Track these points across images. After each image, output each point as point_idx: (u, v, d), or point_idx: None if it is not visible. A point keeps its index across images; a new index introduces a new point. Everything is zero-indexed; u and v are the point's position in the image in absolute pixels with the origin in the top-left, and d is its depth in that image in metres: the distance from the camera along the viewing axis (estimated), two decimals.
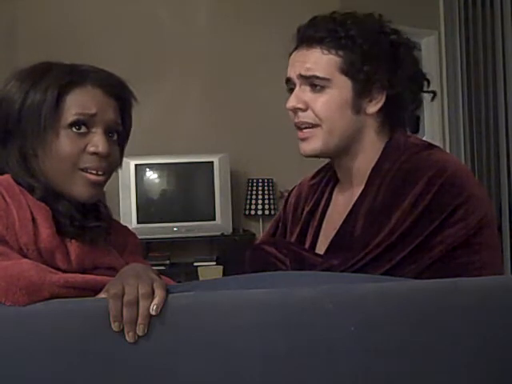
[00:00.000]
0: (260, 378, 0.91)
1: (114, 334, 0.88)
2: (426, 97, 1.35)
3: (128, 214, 3.84)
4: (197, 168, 4.06)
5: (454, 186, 1.15)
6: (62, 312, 0.92)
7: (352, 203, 1.27)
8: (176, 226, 3.93)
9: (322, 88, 1.26)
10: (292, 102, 1.29)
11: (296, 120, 1.30)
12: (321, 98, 1.26)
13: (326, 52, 1.26)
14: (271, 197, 4.11)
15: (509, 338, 0.96)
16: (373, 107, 1.27)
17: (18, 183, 1.12)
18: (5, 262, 0.97)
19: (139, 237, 1.40)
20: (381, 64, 1.26)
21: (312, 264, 1.18)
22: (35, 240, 1.06)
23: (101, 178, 1.16)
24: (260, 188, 4.11)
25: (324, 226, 1.36)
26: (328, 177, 1.42)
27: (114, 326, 0.88)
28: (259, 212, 4.10)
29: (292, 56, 1.32)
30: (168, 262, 3.94)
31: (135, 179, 3.92)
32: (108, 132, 1.17)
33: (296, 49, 1.32)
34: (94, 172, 1.15)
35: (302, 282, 0.98)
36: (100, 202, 1.24)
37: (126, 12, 4.20)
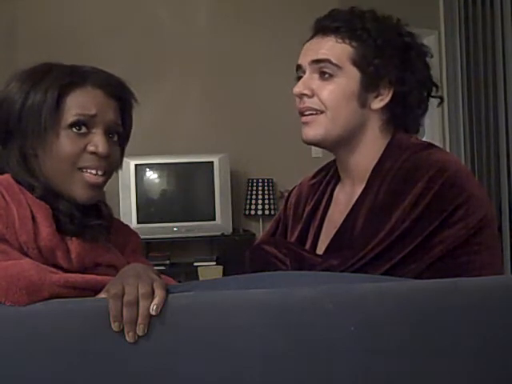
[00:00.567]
0: (260, 377, 0.91)
1: (113, 334, 0.88)
2: (432, 101, 1.36)
3: (128, 214, 3.84)
4: (197, 168, 4.06)
5: (454, 185, 1.15)
6: (62, 312, 0.92)
7: (353, 202, 1.27)
8: (176, 226, 3.93)
9: (331, 76, 1.27)
10: (299, 87, 1.30)
11: (301, 105, 1.30)
12: (328, 86, 1.27)
13: (340, 41, 1.27)
14: (271, 197, 4.11)
15: (509, 338, 0.96)
16: (378, 103, 1.28)
17: (18, 183, 1.12)
18: (5, 261, 0.97)
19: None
20: (391, 61, 1.27)
21: (312, 264, 1.18)
22: (35, 238, 1.06)
23: (100, 180, 1.16)
24: (260, 188, 4.11)
25: (325, 225, 1.36)
26: (329, 176, 1.42)
27: (114, 326, 0.88)
28: (259, 212, 4.10)
29: (306, 44, 1.34)
30: (168, 262, 3.94)
31: (135, 179, 3.92)
32: (108, 132, 1.17)
33: (311, 38, 1.33)
34: (94, 172, 1.15)
35: (301, 282, 0.98)
36: (100, 201, 1.25)
37: (126, 12, 4.20)
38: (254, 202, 4.12)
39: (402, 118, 1.31)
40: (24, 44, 3.98)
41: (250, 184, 4.14)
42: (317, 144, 1.32)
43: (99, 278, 1.00)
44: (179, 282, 1.20)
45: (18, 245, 1.05)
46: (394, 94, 1.28)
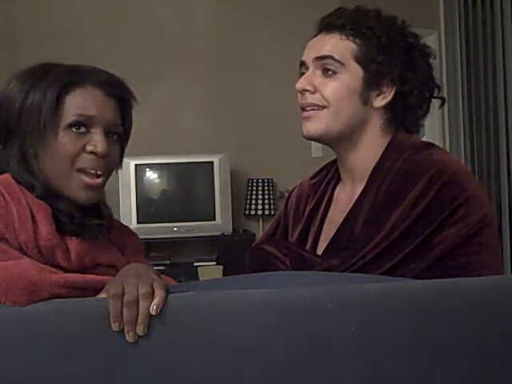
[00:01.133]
0: (260, 377, 0.91)
1: (114, 334, 0.88)
2: (434, 102, 1.36)
3: (128, 213, 3.84)
4: (197, 168, 4.06)
5: (454, 185, 1.15)
6: (62, 312, 0.92)
7: (353, 202, 1.27)
8: (176, 226, 3.93)
9: (334, 73, 1.27)
10: (302, 83, 1.30)
11: (303, 101, 1.31)
12: (331, 82, 1.28)
13: (344, 38, 1.28)
14: (271, 197, 4.11)
15: (509, 338, 0.96)
16: (380, 101, 1.29)
17: (18, 182, 1.12)
18: (5, 261, 0.97)
19: (139, 237, 1.40)
20: (394, 60, 1.27)
21: (312, 264, 1.18)
22: (35, 238, 1.06)
23: (98, 181, 1.16)
24: (260, 188, 4.11)
25: (326, 225, 1.36)
26: (330, 176, 1.42)
27: (114, 326, 0.88)
28: (259, 212, 4.10)
29: (310, 41, 1.34)
30: (168, 262, 3.94)
31: (135, 179, 3.92)
32: (108, 132, 1.17)
33: (315, 36, 1.34)
34: (93, 172, 1.15)
35: (301, 282, 0.98)
36: (100, 201, 1.24)
37: (126, 12, 4.20)
38: (253, 201, 4.11)
39: (403, 117, 1.31)
40: (24, 44, 3.97)
41: (249, 184, 4.14)
42: (317, 139, 1.32)
43: (99, 277, 1.00)
44: (179, 281, 1.20)
45: (17, 244, 1.05)
46: (395, 92, 1.28)
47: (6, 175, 1.13)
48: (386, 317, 0.93)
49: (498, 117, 4.63)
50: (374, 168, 1.27)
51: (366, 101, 1.28)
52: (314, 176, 1.47)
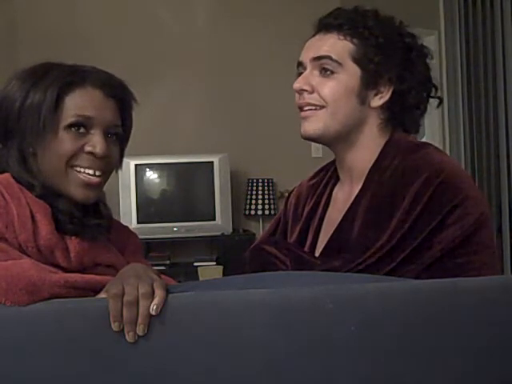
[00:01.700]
0: (260, 377, 0.91)
1: (114, 334, 0.88)
2: (432, 102, 1.36)
3: (128, 213, 3.84)
4: (197, 168, 4.06)
5: (450, 186, 1.15)
6: (62, 312, 0.92)
7: (351, 201, 1.27)
8: (176, 226, 3.93)
9: (332, 73, 1.28)
10: (299, 82, 1.31)
11: (300, 101, 1.31)
12: (329, 82, 1.28)
13: (341, 38, 1.28)
14: (271, 197, 4.11)
15: (509, 338, 0.96)
16: (378, 101, 1.29)
17: (18, 182, 1.12)
18: (5, 260, 0.97)
19: (139, 237, 1.41)
20: (392, 60, 1.28)
21: (312, 266, 1.18)
22: (34, 237, 1.06)
23: (95, 180, 1.16)
24: (260, 188, 4.11)
25: (324, 225, 1.36)
26: (328, 176, 1.42)
27: (114, 326, 0.88)
28: (259, 212, 4.10)
29: (308, 42, 1.35)
30: (168, 261, 3.94)
31: (135, 179, 3.92)
32: (107, 133, 1.17)
33: (313, 36, 1.34)
34: (91, 172, 1.15)
35: (301, 282, 0.98)
36: (100, 201, 1.24)
37: (126, 12, 4.20)
38: (253, 201, 4.11)
39: (401, 117, 1.31)
40: (24, 44, 3.97)
41: (249, 184, 4.14)
42: (315, 139, 1.32)
43: (99, 277, 1.00)
44: (179, 281, 1.20)
45: (17, 244, 1.05)
46: (393, 92, 1.29)
47: (6, 175, 1.13)
48: (385, 317, 0.93)
49: (498, 117, 4.63)
50: (372, 167, 1.27)
51: (363, 100, 1.28)
52: (313, 176, 1.47)
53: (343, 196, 1.34)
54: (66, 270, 1.06)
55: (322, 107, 1.28)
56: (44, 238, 1.07)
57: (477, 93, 4.63)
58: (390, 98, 1.29)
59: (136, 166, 3.91)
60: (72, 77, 1.15)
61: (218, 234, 3.94)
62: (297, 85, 1.31)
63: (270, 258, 1.25)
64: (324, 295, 0.92)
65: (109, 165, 1.19)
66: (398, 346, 0.93)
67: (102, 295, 0.94)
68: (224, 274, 3.58)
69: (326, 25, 1.32)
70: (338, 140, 1.31)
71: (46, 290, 0.93)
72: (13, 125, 1.15)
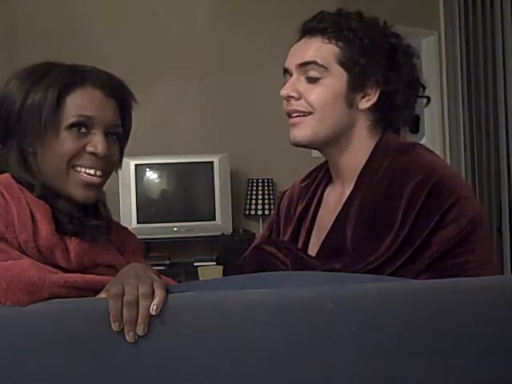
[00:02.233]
0: (260, 378, 0.91)
1: (114, 334, 0.88)
2: (430, 102, 1.36)
3: (128, 213, 3.84)
4: (197, 168, 4.06)
5: (443, 188, 1.16)
6: (62, 312, 0.92)
7: (342, 203, 1.27)
8: (176, 226, 3.93)
9: (318, 79, 1.27)
10: (286, 89, 1.30)
11: (288, 108, 1.31)
12: (316, 88, 1.27)
13: (326, 41, 1.28)
14: (271, 197, 4.11)
15: (509, 338, 0.96)
16: (365, 103, 1.28)
17: (18, 182, 1.12)
18: (5, 260, 0.97)
19: (139, 237, 1.41)
20: (377, 61, 1.27)
21: (312, 267, 1.18)
22: (34, 238, 1.06)
23: (95, 179, 1.16)
24: (260, 188, 4.11)
25: (316, 226, 1.37)
26: (320, 177, 1.42)
27: (114, 326, 0.88)
28: (259, 212, 4.10)
29: (293, 47, 1.34)
30: (168, 262, 3.94)
31: (135, 179, 3.92)
32: (107, 133, 1.18)
33: (298, 41, 1.33)
34: (92, 172, 1.15)
35: (301, 282, 0.98)
36: (99, 202, 1.25)
37: (126, 12, 4.20)
38: (254, 201, 4.11)
39: (390, 118, 1.31)
40: (24, 44, 3.97)
41: (249, 184, 4.14)
42: (305, 145, 1.31)
43: (99, 277, 1.00)
44: (179, 281, 1.20)
45: (17, 244, 1.05)
46: (380, 94, 1.28)
47: (6, 175, 1.13)
48: (385, 317, 0.93)
49: (498, 117, 4.63)
50: (363, 169, 1.27)
51: (351, 104, 1.28)
52: (306, 178, 1.47)
53: (335, 197, 1.35)
54: (65, 271, 1.06)
55: (309, 113, 1.28)
56: (44, 238, 1.07)
57: (477, 93, 4.63)
58: (378, 99, 1.28)
59: (136, 165, 3.91)
60: (72, 77, 1.15)
61: (218, 234, 3.94)
62: (284, 92, 1.30)
63: (271, 258, 1.25)
64: (324, 295, 0.92)
65: (109, 165, 1.19)
66: (398, 346, 0.93)
67: (102, 295, 0.94)
68: (224, 274, 3.58)
69: (310, 29, 1.31)
70: (328, 144, 1.31)
71: (46, 290, 0.93)
72: (13, 125, 1.15)
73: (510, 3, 4.63)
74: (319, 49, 1.28)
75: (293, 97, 1.29)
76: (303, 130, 1.29)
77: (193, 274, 3.71)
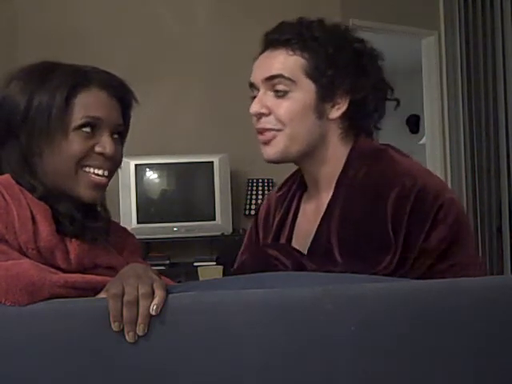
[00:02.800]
0: (260, 377, 0.91)
1: (114, 334, 0.88)
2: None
3: (128, 214, 3.84)
4: (197, 168, 4.06)
5: (428, 190, 1.16)
6: (62, 312, 0.92)
7: (320, 211, 1.27)
8: (176, 226, 3.93)
9: (286, 93, 1.25)
10: (255, 107, 1.28)
11: (258, 126, 1.29)
12: (284, 103, 1.25)
13: (291, 53, 1.26)
14: None
15: (509, 338, 0.96)
16: (335, 112, 1.27)
17: (18, 183, 1.12)
18: (5, 261, 0.97)
19: (139, 237, 1.41)
20: (344, 69, 1.25)
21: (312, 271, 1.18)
22: (35, 239, 1.06)
23: (104, 180, 1.18)
24: (260, 188, 4.11)
25: (294, 235, 1.36)
26: (296, 185, 1.41)
27: (114, 326, 0.88)
28: None
29: (257, 60, 1.32)
30: (168, 262, 3.94)
31: (135, 179, 3.91)
32: (113, 133, 1.19)
33: (261, 53, 1.32)
34: (100, 173, 1.17)
35: (301, 282, 0.98)
36: (99, 203, 1.25)
37: (127, 12, 4.20)
38: (254, 202, 4.11)
39: (361, 123, 1.30)
40: (25, 43, 3.97)
41: (249, 184, 4.13)
42: (279, 161, 1.30)
43: (99, 278, 1.00)
44: (179, 282, 1.20)
45: (17, 245, 1.05)
46: (350, 101, 1.26)
47: (6, 176, 1.13)
48: (385, 317, 0.93)
49: (498, 117, 4.63)
50: (339, 179, 1.26)
51: (321, 114, 1.26)
52: (281, 187, 1.45)
53: (311, 207, 1.34)
54: (65, 272, 1.05)
55: (279, 130, 1.26)
56: (44, 239, 1.07)
57: (477, 93, 4.63)
58: (348, 107, 1.27)
59: (136, 165, 3.91)
60: (77, 78, 1.16)
61: (218, 233, 3.94)
62: (253, 109, 1.28)
63: (272, 260, 1.24)
64: (324, 295, 0.92)
65: (115, 164, 1.20)
66: (398, 346, 0.93)
67: (102, 295, 0.95)
68: (224, 274, 3.58)
69: (272, 41, 1.29)
70: (302, 157, 1.29)
71: (46, 290, 0.93)
72: (16, 126, 1.14)
73: (510, 3, 4.63)
74: (285, 61, 1.25)
75: (263, 113, 1.27)
76: (275, 148, 1.27)
77: (193, 274, 3.71)
